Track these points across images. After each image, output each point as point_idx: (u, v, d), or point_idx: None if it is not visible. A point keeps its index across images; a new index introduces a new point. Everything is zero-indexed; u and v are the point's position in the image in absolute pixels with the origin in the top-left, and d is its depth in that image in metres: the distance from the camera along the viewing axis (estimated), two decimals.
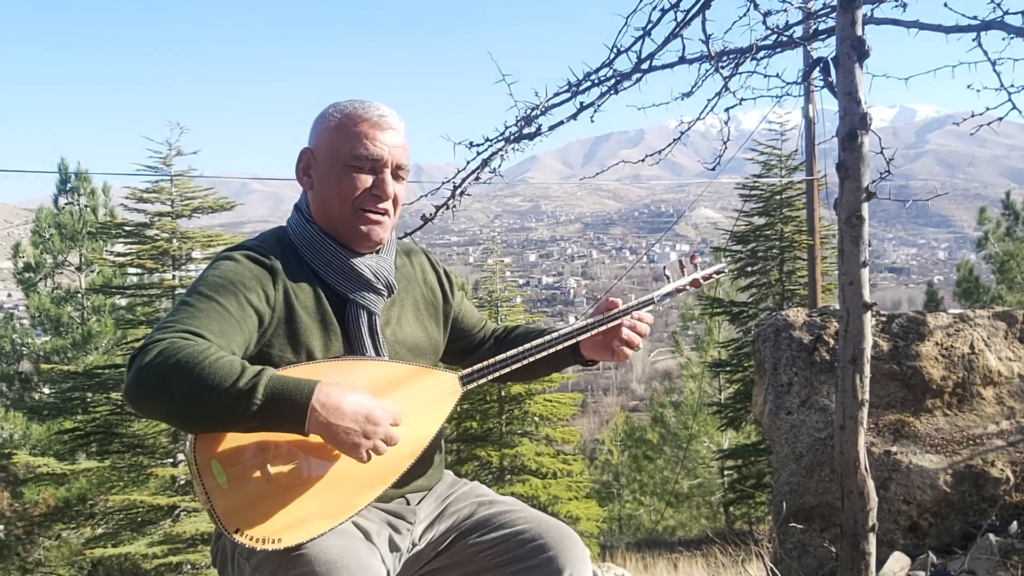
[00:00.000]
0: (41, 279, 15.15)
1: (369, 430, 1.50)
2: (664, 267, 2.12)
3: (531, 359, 1.87)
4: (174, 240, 10.79)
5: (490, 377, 1.82)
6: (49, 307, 14.38)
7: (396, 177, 1.80)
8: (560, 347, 1.91)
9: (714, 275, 2.17)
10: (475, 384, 1.81)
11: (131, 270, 12.21)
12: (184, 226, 11.05)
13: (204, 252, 10.84)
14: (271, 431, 1.50)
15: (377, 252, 1.83)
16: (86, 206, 15.56)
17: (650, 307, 2.04)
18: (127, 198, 11.20)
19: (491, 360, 1.82)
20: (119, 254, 12.13)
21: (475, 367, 1.81)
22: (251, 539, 1.49)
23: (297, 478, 1.56)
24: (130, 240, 11.34)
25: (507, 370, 1.83)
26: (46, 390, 14.45)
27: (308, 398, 1.46)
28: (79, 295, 14.87)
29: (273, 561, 1.56)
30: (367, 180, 1.76)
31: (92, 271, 15.17)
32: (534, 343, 1.88)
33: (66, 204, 15.61)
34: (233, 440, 1.51)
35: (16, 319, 16.05)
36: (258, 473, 1.52)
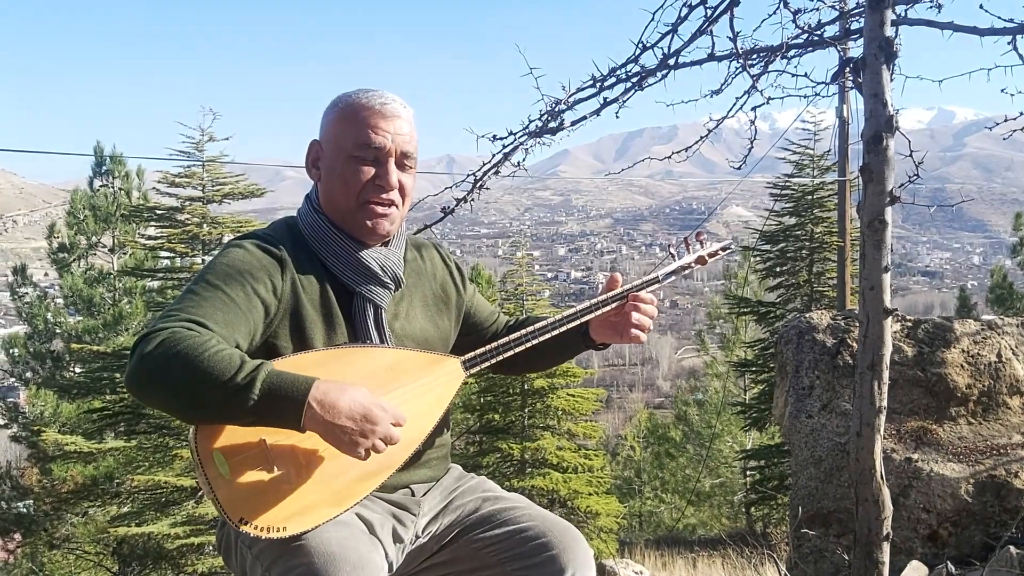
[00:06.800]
0: (75, 260, 15.36)
1: (367, 429, 1.47)
2: (669, 245, 2.07)
3: (534, 341, 1.83)
4: (204, 225, 10.91)
5: (493, 361, 1.79)
6: (82, 287, 14.58)
7: (402, 167, 1.76)
8: (564, 328, 1.87)
9: (720, 252, 2.12)
10: (478, 368, 1.79)
11: (163, 253, 12.35)
12: (215, 211, 11.15)
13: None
14: (268, 426, 1.49)
15: (386, 244, 1.81)
16: (120, 189, 15.76)
17: (655, 286, 1.99)
18: (159, 182, 11.34)
19: (494, 344, 1.80)
20: (151, 237, 12.27)
21: (478, 351, 1.78)
22: (256, 528, 1.48)
23: (299, 467, 1.55)
24: (162, 224, 11.48)
25: (510, 353, 1.80)
26: (77, 369, 14.68)
27: (304, 395, 1.43)
28: (111, 277, 15.08)
29: (274, 551, 1.56)
30: (370, 171, 1.72)
31: (124, 253, 15.36)
32: (536, 326, 1.85)
33: (101, 186, 15.81)
34: (234, 430, 1.51)
35: (51, 298, 16.28)
36: (260, 463, 1.52)
